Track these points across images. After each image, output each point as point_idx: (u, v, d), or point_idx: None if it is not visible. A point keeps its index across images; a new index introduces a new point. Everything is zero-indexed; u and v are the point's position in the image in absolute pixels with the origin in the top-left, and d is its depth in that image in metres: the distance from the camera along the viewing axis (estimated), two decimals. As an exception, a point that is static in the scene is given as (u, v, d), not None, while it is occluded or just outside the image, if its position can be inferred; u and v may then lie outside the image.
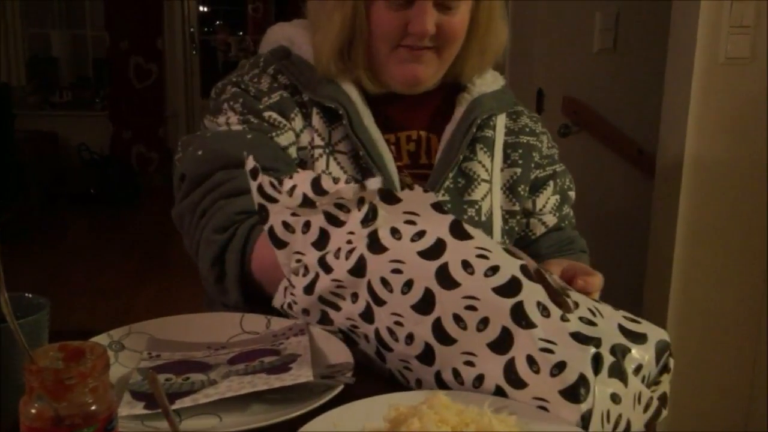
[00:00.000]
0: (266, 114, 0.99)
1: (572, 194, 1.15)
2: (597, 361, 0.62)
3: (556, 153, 1.16)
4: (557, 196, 1.12)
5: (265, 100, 1.00)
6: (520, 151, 1.09)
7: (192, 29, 6.08)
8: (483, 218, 1.04)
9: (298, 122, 1.00)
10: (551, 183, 1.11)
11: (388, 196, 0.70)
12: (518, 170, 1.08)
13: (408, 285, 0.67)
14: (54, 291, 3.67)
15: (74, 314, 3.39)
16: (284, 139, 0.99)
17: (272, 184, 0.73)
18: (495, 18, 1.04)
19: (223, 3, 8.43)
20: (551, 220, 1.11)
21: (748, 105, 1.97)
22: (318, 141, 1.00)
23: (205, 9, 7.89)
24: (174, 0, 5.88)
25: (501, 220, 1.06)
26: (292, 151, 1.00)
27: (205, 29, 7.60)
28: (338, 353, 0.74)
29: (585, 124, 2.61)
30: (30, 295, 0.68)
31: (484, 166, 1.05)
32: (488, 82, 1.10)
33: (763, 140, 1.98)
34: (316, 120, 1.00)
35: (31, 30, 6.09)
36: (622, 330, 0.67)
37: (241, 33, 7.50)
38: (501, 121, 1.09)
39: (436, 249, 0.67)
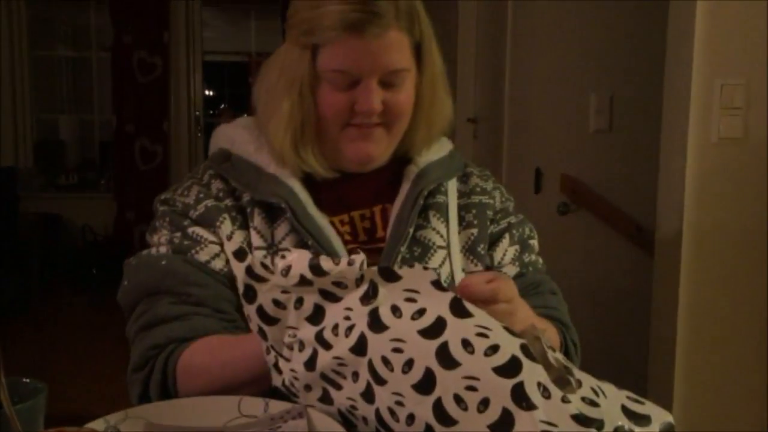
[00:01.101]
0: (190, 230, 1.01)
1: (534, 242, 1.14)
2: (599, 444, 0.61)
3: (511, 206, 1.16)
4: (515, 247, 1.11)
5: (191, 213, 1.02)
6: (474, 211, 1.09)
7: (197, 113, 6.22)
8: (443, 285, 1.03)
9: (225, 228, 1.00)
10: (506, 235, 1.11)
11: (389, 273, 0.71)
12: (474, 231, 1.08)
13: (409, 364, 0.67)
14: (51, 373, 3.62)
15: (72, 398, 3.33)
16: (205, 254, 0.99)
17: (263, 265, 0.74)
18: (438, 91, 1.06)
19: (227, 87, 8.67)
20: (512, 270, 1.10)
21: (743, 183, 1.99)
22: (260, 242, 1.00)
23: (211, 93, 8.11)
24: (180, 84, 6.04)
25: None
26: (216, 263, 0.99)
27: (210, 112, 7.79)
28: (336, 437, 0.73)
29: (583, 203, 2.63)
30: (27, 380, 0.68)
31: (438, 232, 1.05)
32: (434, 151, 1.11)
33: (760, 216, 2.00)
34: (258, 221, 1.01)
35: (40, 114, 6.24)
36: (626, 411, 0.66)
37: (245, 115, 7.66)
38: (452, 185, 1.10)
39: (437, 327, 0.67)
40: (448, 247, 1.05)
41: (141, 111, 5.83)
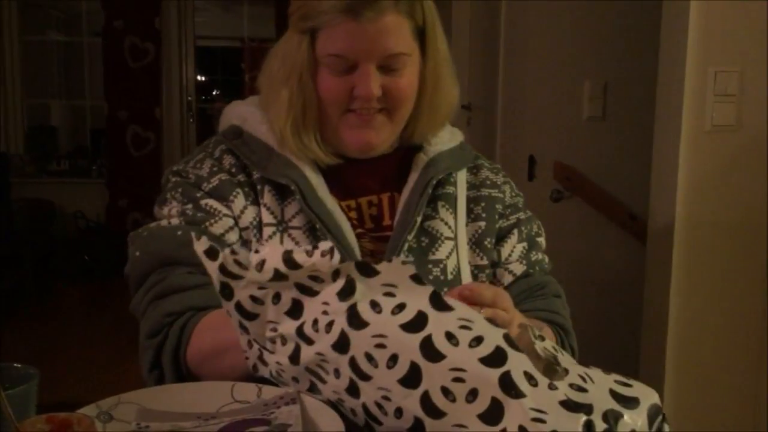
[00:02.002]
0: (203, 202, 1.00)
1: (541, 240, 1.14)
2: (589, 429, 0.61)
3: (521, 201, 1.15)
4: (523, 244, 1.11)
5: (204, 186, 1.01)
6: (483, 204, 1.09)
7: (190, 98, 6.19)
8: (449, 277, 1.03)
9: (238, 203, 1.00)
10: (515, 231, 1.10)
11: (366, 268, 0.70)
12: (482, 224, 1.08)
13: (393, 359, 0.66)
14: (45, 361, 3.61)
15: (64, 385, 3.33)
16: (219, 227, 0.99)
17: (237, 262, 0.73)
18: (443, 76, 1.04)
19: (221, 72, 8.62)
20: (519, 268, 1.10)
21: (736, 170, 2.00)
22: (270, 219, 1.00)
23: (203, 78, 8.06)
24: (173, 70, 6.00)
25: (470, 277, 1.05)
26: (230, 236, 1.00)
27: (203, 98, 7.74)
28: (330, 423, 0.73)
29: (577, 190, 2.64)
30: (19, 366, 0.67)
31: (446, 223, 1.05)
32: (445, 140, 1.10)
33: (753, 203, 2.00)
34: (268, 198, 1.00)
35: (31, 100, 6.19)
36: (614, 395, 0.66)
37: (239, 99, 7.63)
38: (462, 176, 1.09)
39: (418, 321, 0.67)
40: (455, 238, 1.05)
41: (133, 97, 5.80)
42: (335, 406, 0.75)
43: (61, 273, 5.51)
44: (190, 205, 1.00)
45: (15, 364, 0.67)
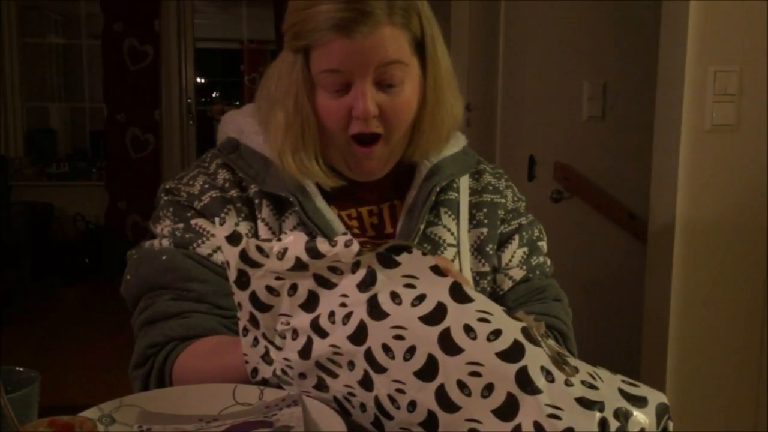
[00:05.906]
0: (193, 222, 1.00)
1: (542, 244, 1.13)
2: (603, 426, 0.62)
3: (523, 205, 1.14)
4: (524, 249, 1.10)
5: (195, 204, 1.01)
6: (485, 210, 1.08)
7: (189, 100, 6.18)
8: None
9: (229, 220, 0.99)
10: (516, 237, 1.09)
11: (387, 260, 0.70)
12: (484, 230, 1.07)
13: (410, 351, 0.67)
14: (45, 364, 3.61)
15: (66, 388, 3.33)
16: (207, 247, 0.98)
17: (259, 249, 0.73)
18: (443, 91, 1.01)
19: (220, 74, 8.62)
20: (519, 273, 1.08)
21: (735, 170, 2.00)
22: (267, 234, 0.99)
23: (203, 80, 8.07)
24: (172, 72, 6.00)
25: (472, 283, 1.04)
26: (219, 256, 0.98)
27: (202, 100, 7.75)
28: (332, 424, 0.73)
29: (576, 190, 2.64)
30: (20, 369, 0.67)
31: (449, 230, 1.04)
32: (448, 146, 1.08)
33: (752, 202, 2.01)
34: (266, 212, 0.99)
35: (31, 103, 6.19)
36: (623, 393, 0.67)
37: (237, 103, 7.65)
38: (464, 182, 1.08)
39: (438, 314, 0.67)
40: (458, 245, 1.04)
41: (132, 99, 5.79)
42: (340, 405, 0.75)
43: (60, 275, 5.51)
44: (180, 225, 1.00)
45: (17, 368, 0.67)
